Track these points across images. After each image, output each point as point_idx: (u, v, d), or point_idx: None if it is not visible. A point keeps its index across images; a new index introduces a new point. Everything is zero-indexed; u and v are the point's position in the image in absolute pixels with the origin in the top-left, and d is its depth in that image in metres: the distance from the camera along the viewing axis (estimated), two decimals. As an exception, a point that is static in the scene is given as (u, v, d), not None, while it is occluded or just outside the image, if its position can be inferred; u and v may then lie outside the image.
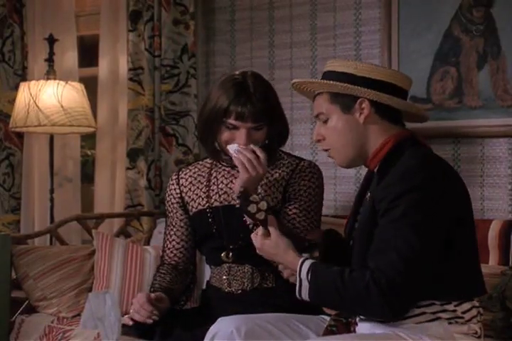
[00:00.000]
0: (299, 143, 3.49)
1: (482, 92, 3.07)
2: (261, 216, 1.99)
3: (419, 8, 3.18)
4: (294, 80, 2.15)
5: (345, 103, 2.02)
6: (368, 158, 2.05)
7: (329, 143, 2.07)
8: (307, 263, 1.96)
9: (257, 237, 2.04)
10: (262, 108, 2.42)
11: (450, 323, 1.95)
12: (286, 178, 2.51)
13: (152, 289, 2.50)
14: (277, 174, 2.52)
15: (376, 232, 1.93)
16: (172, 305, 2.46)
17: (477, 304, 2.00)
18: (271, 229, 2.02)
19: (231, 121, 2.42)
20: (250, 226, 2.30)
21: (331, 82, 2.01)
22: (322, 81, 2.04)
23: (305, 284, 1.95)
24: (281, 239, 2.01)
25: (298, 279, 1.96)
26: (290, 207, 2.47)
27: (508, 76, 3.02)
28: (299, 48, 3.54)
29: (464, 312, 1.96)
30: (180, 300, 2.56)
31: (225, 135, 2.45)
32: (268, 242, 2.02)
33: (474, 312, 1.98)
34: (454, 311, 1.95)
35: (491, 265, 2.74)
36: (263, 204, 1.98)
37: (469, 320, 1.97)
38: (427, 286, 1.89)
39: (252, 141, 2.43)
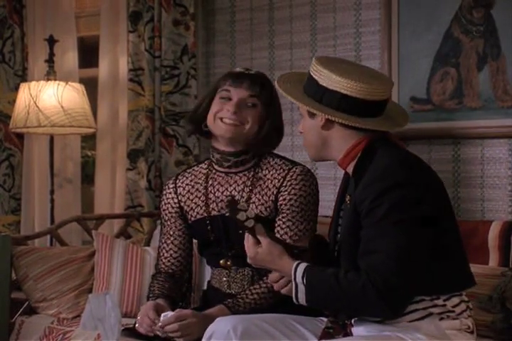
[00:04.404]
0: (299, 144, 3.48)
1: (482, 93, 3.07)
2: (250, 223, 1.98)
3: (419, 9, 3.18)
4: (278, 82, 2.12)
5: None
6: (337, 158, 2.07)
7: (303, 137, 2.15)
8: (301, 267, 1.97)
9: (248, 246, 2.03)
10: (260, 82, 2.42)
11: (442, 319, 1.97)
12: (277, 186, 2.42)
13: (151, 295, 2.44)
14: (269, 181, 2.44)
15: (362, 233, 1.94)
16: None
17: (466, 298, 2.02)
18: (261, 238, 2.02)
19: (226, 86, 2.40)
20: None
21: (289, 97, 2.05)
22: (285, 94, 2.07)
23: (301, 288, 1.96)
24: (274, 246, 2.01)
25: (294, 284, 1.97)
26: (283, 220, 2.40)
27: (508, 77, 3.02)
28: (299, 49, 3.53)
29: (454, 307, 1.98)
30: (178, 307, 2.49)
31: (216, 105, 2.42)
32: (261, 250, 2.01)
33: (463, 306, 2.00)
34: (444, 305, 1.97)
35: (491, 266, 2.74)
36: (251, 212, 1.98)
37: (460, 314, 1.99)
38: (419, 282, 1.91)
39: (241, 118, 2.40)
